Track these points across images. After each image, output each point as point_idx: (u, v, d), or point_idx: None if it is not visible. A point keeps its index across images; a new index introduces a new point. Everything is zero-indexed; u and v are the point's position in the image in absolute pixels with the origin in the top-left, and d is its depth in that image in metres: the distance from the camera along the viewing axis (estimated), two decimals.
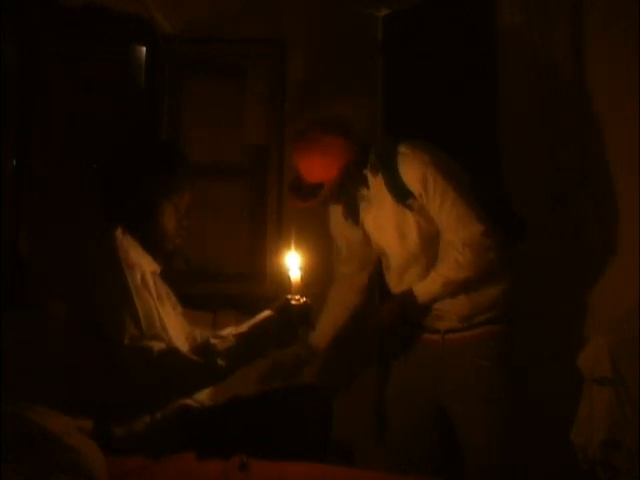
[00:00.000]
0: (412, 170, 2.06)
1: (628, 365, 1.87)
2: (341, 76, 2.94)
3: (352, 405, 2.66)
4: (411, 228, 2.11)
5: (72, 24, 2.66)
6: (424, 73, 2.86)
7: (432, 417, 2.20)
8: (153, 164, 1.93)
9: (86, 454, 1.44)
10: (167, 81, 2.87)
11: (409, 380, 2.21)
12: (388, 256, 2.21)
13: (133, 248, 1.88)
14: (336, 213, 2.29)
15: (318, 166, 2.07)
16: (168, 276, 2.05)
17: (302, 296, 1.92)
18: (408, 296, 2.10)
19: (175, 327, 1.95)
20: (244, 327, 1.89)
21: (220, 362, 1.80)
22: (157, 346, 1.76)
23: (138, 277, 1.84)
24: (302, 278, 1.94)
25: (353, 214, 2.23)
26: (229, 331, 1.90)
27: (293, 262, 1.95)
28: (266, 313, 1.92)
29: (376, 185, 2.14)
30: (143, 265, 1.89)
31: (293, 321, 1.91)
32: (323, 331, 2.32)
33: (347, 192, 2.16)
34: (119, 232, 1.87)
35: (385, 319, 2.15)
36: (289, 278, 1.95)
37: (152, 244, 1.92)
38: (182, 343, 1.93)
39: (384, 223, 2.16)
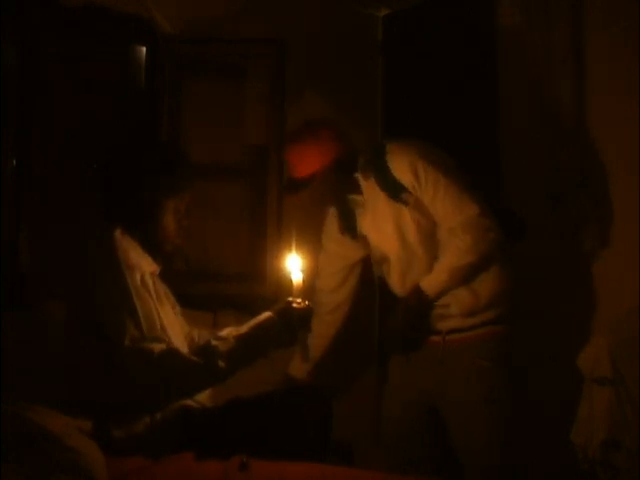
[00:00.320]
0: (402, 164, 2.10)
1: (628, 365, 1.87)
2: (341, 76, 2.94)
3: (352, 405, 2.66)
4: (409, 225, 2.12)
5: (72, 24, 2.65)
6: (424, 73, 2.85)
7: (431, 418, 2.20)
8: (153, 164, 1.92)
9: (86, 454, 1.44)
10: (167, 81, 2.87)
11: (409, 381, 2.21)
12: (389, 260, 2.21)
13: (133, 249, 1.88)
14: (331, 230, 2.33)
15: (305, 157, 2.12)
16: (168, 276, 2.05)
17: (304, 299, 1.92)
18: (417, 292, 2.09)
19: (174, 327, 1.95)
20: (244, 328, 1.89)
21: (221, 363, 1.80)
22: (157, 347, 1.76)
23: (138, 278, 1.84)
24: (304, 281, 1.94)
25: (350, 226, 2.25)
26: (229, 332, 1.90)
27: (295, 265, 1.95)
28: (267, 315, 1.91)
29: (369, 188, 2.16)
30: (143, 266, 1.89)
31: (294, 324, 1.90)
32: (316, 344, 2.31)
33: (340, 198, 2.20)
34: (118, 233, 1.87)
35: (401, 322, 2.13)
36: (291, 281, 1.94)
37: (152, 244, 1.92)
38: (181, 343, 1.94)
39: (382, 224, 2.17)
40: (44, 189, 2.62)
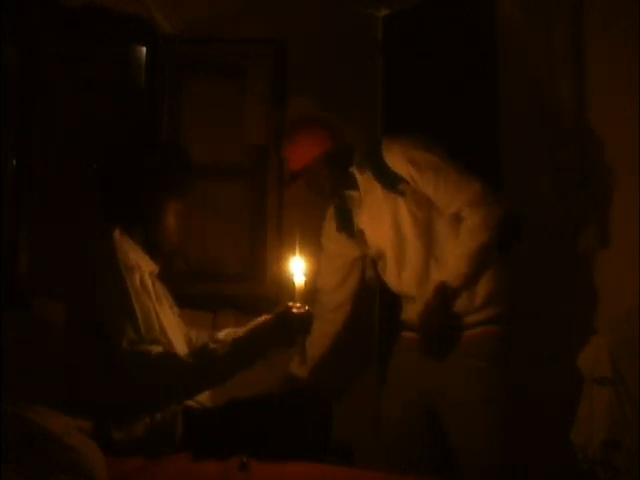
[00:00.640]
0: (398, 156, 2.12)
1: (628, 365, 1.87)
2: (341, 76, 2.94)
3: (352, 405, 2.66)
4: (405, 218, 2.13)
5: (72, 24, 2.66)
6: (424, 73, 2.85)
7: (431, 418, 2.20)
8: (153, 164, 1.93)
9: (86, 454, 1.44)
10: (167, 81, 2.87)
11: (409, 381, 2.21)
12: (385, 257, 2.22)
13: (132, 249, 1.88)
14: (329, 230, 2.34)
15: (297, 150, 2.16)
16: (167, 276, 2.05)
17: (304, 303, 1.90)
18: (441, 290, 2.07)
19: (174, 328, 1.95)
20: (243, 331, 1.88)
21: (219, 366, 1.79)
22: (155, 350, 1.75)
23: (137, 279, 1.84)
24: (306, 284, 1.93)
25: (347, 224, 2.26)
26: (228, 333, 1.89)
27: (298, 268, 1.93)
28: (266, 318, 1.90)
29: (365, 183, 2.18)
30: (142, 266, 1.89)
31: (293, 329, 1.88)
32: (317, 343, 2.31)
33: (337, 193, 2.21)
34: (117, 233, 1.87)
35: (431, 320, 2.08)
36: (293, 284, 1.92)
37: (152, 244, 1.92)
38: (181, 344, 1.93)
39: (378, 219, 2.18)
40: (44, 189, 2.62)
